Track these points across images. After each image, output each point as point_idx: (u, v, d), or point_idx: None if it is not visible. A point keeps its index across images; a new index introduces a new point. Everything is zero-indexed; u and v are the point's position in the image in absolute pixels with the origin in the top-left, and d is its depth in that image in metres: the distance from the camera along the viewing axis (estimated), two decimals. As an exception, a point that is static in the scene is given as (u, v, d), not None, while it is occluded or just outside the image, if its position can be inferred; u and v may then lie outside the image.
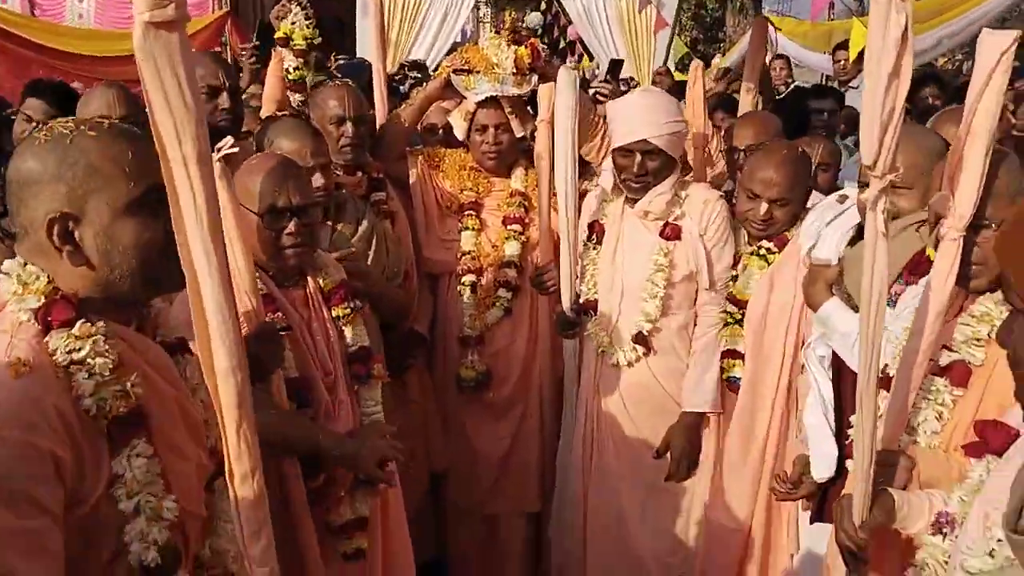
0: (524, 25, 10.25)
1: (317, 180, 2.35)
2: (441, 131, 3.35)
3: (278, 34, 3.31)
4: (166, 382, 1.29)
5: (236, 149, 1.65)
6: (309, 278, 2.07)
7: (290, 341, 1.94)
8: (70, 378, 1.15)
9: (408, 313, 2.84)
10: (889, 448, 1.79)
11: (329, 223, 2.52)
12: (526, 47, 2.84)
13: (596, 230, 2.67)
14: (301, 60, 3.26)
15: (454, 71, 2.89)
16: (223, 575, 1.38)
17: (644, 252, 2.55)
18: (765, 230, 2.42)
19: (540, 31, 10.88)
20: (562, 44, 10.35)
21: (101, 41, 7.56)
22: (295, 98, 3.27)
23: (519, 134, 2.94)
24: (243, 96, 3.24)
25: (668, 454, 2.58)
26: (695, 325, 2.59)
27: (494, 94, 2.85)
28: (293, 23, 3.25)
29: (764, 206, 2.38)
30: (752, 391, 2.45)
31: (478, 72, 2.85)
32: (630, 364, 2.58)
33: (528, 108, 3.02)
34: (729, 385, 2.54)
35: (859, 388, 1.61)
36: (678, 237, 2.53)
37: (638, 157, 2.46)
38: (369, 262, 2.59)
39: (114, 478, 1.18)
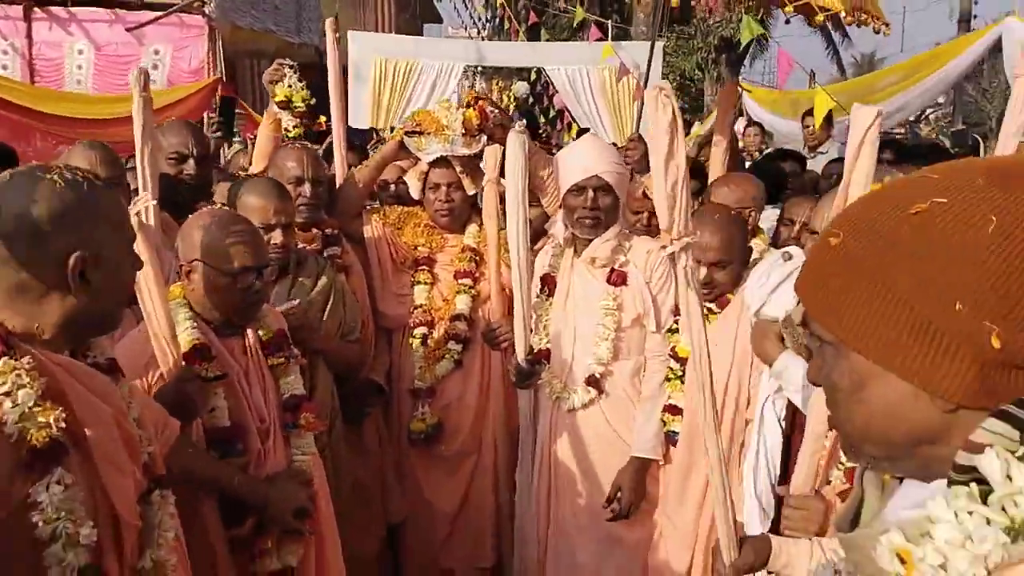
0: (512, 95, 10.54)
1: (277, 237, 2.47)
2: (393, 187, 3.47)
3: (277, 98, 3.43)
4: (104, 402, 1.36)
5: (150, 204, 1.76)
6: (249, 329, 2.14)
7: (225, 389, 2.00)
8: None
9: (360, 366, 2.90)
10: (801, 493, 1.82)
11: (291, 276, 2.62)
12: (474, 109, 2.98)
13: (548, 283, 2.77)
14: (299, 120, 3.37)
15: (406, 133, 3.02)
16: None
17: (593, 298, 2.64)
18: (709, 294, 2.45)
19: (530, 100, 11.16)
20: (552, 113, 10.62)
21: (99, 104, 7.80)
22: None
23: (471, 192, 3.06)
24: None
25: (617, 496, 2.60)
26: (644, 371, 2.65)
27: (444, 154, 2.97)
28: (290, 86, 3.39)
29: (704, 270, 2.39)
30: (689, 444, 2.49)
31: (429, 134, 2.98)
32: (584, 407, 2.64)
33: (479, 167, 3.13)
34: (669, 439, 2.58)
35: (704, 429, 1.70)
36: (624, 283, 2.63)
37: (590, 193, 2.57)
38: (326, 315, 2.67)
39: (31, 505, 1.22)
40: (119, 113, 6.88)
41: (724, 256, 2.43)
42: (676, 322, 2.61)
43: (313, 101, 3.42)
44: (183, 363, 1.94)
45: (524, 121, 3.16)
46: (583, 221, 2.62)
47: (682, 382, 2.55)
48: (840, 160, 4.50)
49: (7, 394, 1.22)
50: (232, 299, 2.03)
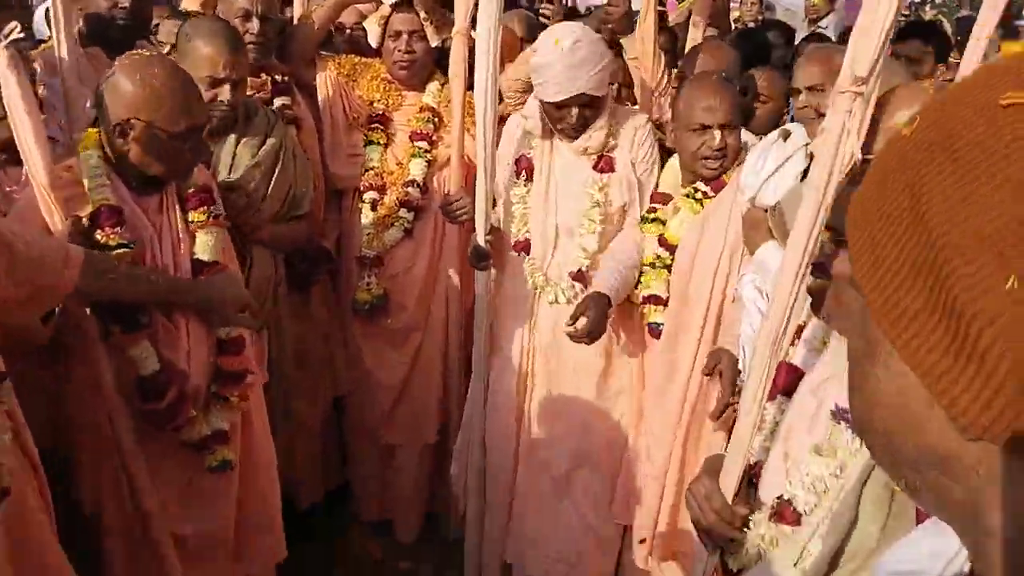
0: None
1: (225, 93, 2.23)
2: (350, 32, 3.15)
3: None
4: None
5: (21, 35, 1.56)
6: (168, 185, 1.94)
7: (133, 256, 1.82)
8: None
9: (308, 243, 2.71)
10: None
11: (236, 133, 2.36)
12: None
13: (523, 166, 2.50)
14: None
15: (371, -34, 2.69)
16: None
17: (578, 187, 2.43)
18: (722, 162, 2.27)
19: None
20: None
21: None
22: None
23: (434, 43, 2.75)
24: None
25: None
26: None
27: None
28: None
29: (717, 134, 2.22)
30: (674, 335, 2.34)
31: None
32: (569, 301, 2.45)
33: (447, 16, 2.80)
34: (651, 330, 2.41)
35: (756, 342, 1.42)
36: (612, 169, 2.42)
37: (575, 110, 2.32)
38: (272, 182, 2.43)
39: None
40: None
41: (733, 117, 2.25)
42: (654, 210, 2.42)
43: None
44: (86, 223, 1.76)
45: None
46: (567, 132, 2.39)
47: (668, 271, 2.37)
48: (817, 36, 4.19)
49: None
50: (175, 160, 1.85)
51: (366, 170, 2.79)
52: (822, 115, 2.28)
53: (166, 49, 2.68)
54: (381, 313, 2.86)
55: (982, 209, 0.41)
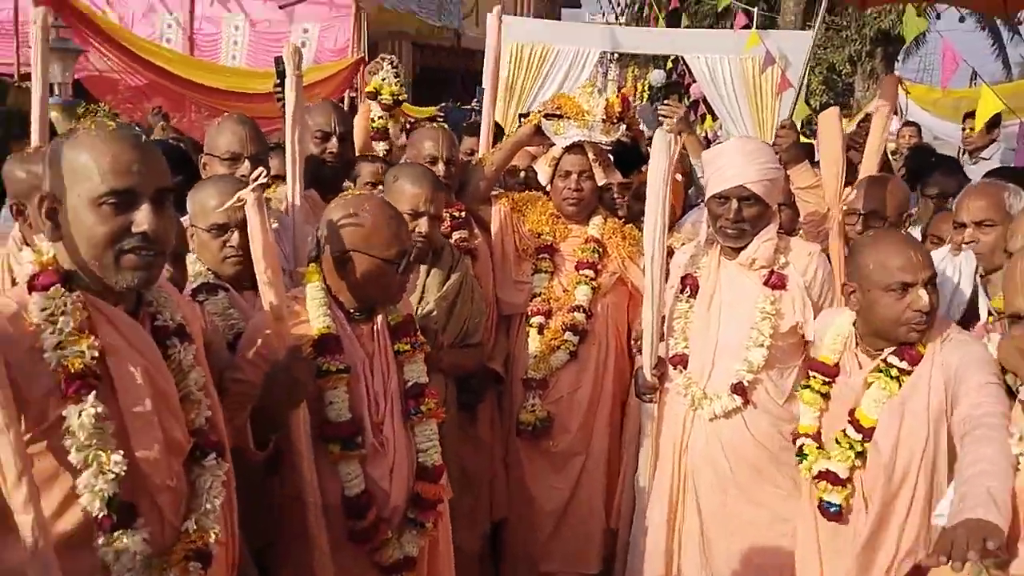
0: (647, 82, 10.31)
1: (423, 226, 2.46)
2: (523, 173, 3.42)
3: (368, 88, 3.69)
4: (138, 354, 1.41)
5: (266, 180, 1.80)
6: (380, 314, 2.09)
7: (349, 381, 1.95)
8: (39, 334, 1.31)
9: (478, 369, 2.86)
10: None
11: (427, 265, 2.62)
12: (617, 96, 2.88)
13: (689, 283, 2.58)
14: (386, 112, 3.59)
15: (545, 116, 2.95)
16: (203, 549, 1.46)
17: (747, 302, 2.45)
18: (928, 322, 2.06)
19: (663, 89, 10.87)
20: (687, 103, 10.31)
21: (252, 79, 8.17)
22: (379, 146, 3.54)
23: (601, 182, 2.95)
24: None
25: None
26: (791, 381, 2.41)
27: (581, 139, 2.88)
28: (383, 79, 3.59)
29: (923, 293, 2.03)
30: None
31: (568, 118, 2.90)
32: (727, 415, 2.43)
33: (611, 158, 3.03)
34: (822, 509, 2.19)
35: None
36: (784, 287, 2.43)
37: (734, 204, 2.40)
38: (456, 311, 2.66)
39: (65, 430, 1.30)
40: (269, 88, 7.20)
41: (934, 271, 2.10)
42: (809, 378, 2.27)
43: (404, 97, 3.67)
44: (310, 351, 1.91)
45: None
46: (725, 231, 2.46)
47: (856, 455, 2.12)
48: (1003, 168, 4.08)
49: (51, 319, 1.32)
50: (389, 286, 2.01)
51: (533, 296, 2.96)
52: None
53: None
54: (544, 435, 2.93)
55: None
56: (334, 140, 2.89)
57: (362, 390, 1.99)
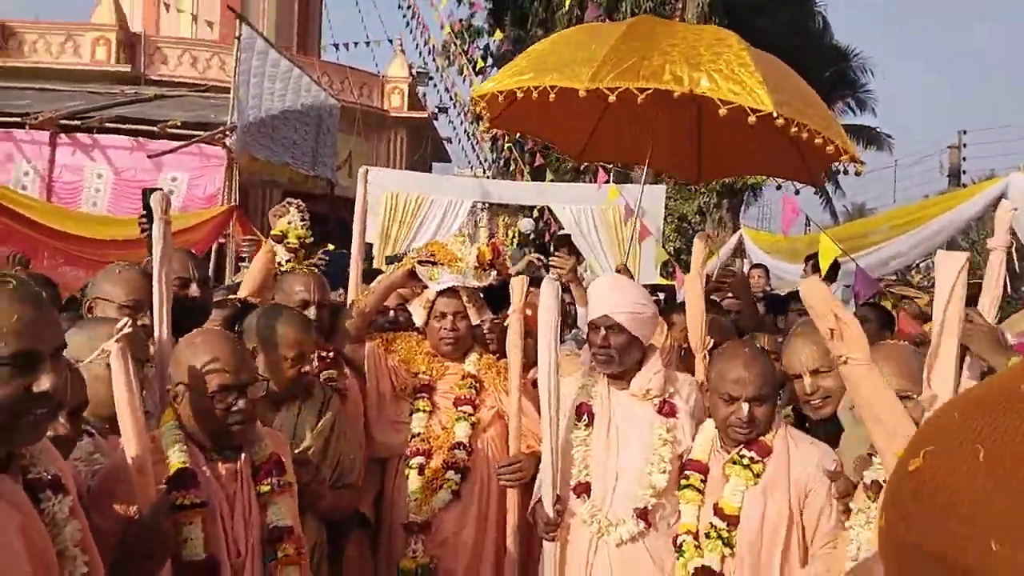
0: (517, 230, 10.82)
1: (291, 368, 2.50)
2: (392, 313, 3.49)
3: (274, 231, 3.71)
4: (14, 509, 1.33)
5: (130, 330, 1.77)
6: (244, 452, 2.06)
7: (205, 519, 1.90)
8: None
9: (353, 511, 2.82)
10: None
11: (297, 403, 2.61)
12: (487, 246, 3.06)
13: (585, 411, 2.67)
14: (292, 255, 3.63)
15: (419, 262, 3.06)
16: None
17: (642, 428, 2.58)
18: (749, 432, 2.37)
19: (532, 236, 11.44)
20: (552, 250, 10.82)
21: (111, 226, 7.94)
22: None
23: (475, 322, 3.06)
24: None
25: None
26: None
27: (455, 284, 3.00)
28: (290, 223, 3.64)
29: (745, 407, 2.33)
30: None
31: (442, 264, 3.02)
32: (632, 540, 2.50)
33: (483, 300, 3.17)
34: None
35: None
36: (675, 414, 2.60)
37: (602, 332, 2.59)
38: (329, 453, 2.61)
39: None
40: (130, 235, 7.02)
41: (763, 391, 2.36)
42: (687, 477, 2.49)
43: (310, 240, 3.70)
44: (163, 488, 1.85)
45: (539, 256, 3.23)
46: (597, 356, 2.65)
47: (724, 543, 2.35)
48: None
49: None
50: (214, 421, 1.99)
51: (412, 436, 2.94)
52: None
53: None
54: (426, 582, 2.84)
55: None
56: (193, 286, 2.88)
57: (219, 530, 1.92)
